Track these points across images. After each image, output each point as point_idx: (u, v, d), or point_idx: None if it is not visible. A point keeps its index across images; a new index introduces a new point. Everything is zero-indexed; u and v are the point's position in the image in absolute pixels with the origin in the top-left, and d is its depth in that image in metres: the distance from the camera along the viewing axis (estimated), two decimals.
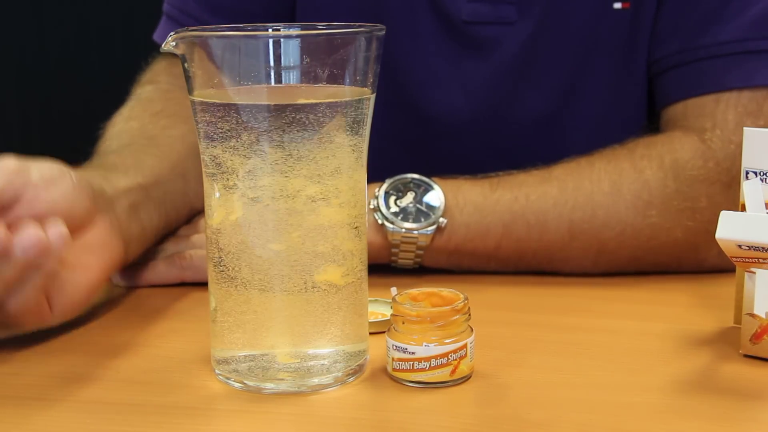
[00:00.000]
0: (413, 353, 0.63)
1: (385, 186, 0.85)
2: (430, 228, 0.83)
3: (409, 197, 0.85)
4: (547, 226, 0.84)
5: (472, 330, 0.64)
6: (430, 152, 1.00)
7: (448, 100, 0.99)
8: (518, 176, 0.86)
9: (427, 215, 0.84)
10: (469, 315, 0.64)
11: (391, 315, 0.64)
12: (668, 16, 0.94)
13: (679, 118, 0.91)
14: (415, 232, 0.83)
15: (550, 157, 0.97)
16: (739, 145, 0.71)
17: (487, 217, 0.84)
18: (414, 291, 0.65)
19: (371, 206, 0.84)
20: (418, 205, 0.84)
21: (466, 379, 0.64)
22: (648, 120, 0.99)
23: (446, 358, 0.63)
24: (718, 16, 0.90)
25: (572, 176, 0.85)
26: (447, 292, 0.65)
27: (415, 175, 0.85)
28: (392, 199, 0.85)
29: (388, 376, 0.65)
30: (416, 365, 0.63)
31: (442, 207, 0.84)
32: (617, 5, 0.95)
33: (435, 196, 0.84)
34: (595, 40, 0.96)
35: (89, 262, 0.72)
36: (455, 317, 0.63)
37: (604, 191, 0.84)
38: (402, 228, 0.83)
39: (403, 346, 0.63)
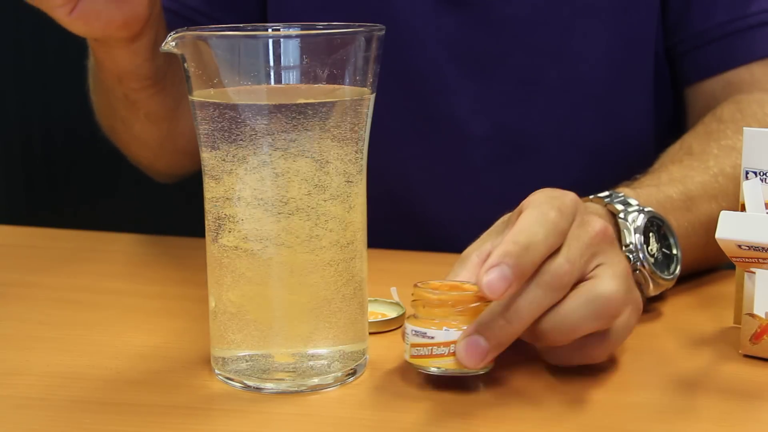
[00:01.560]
0: (432, 338, 0.60)
1: (639, 222, 0.72)
2: (677, 273, 0.75)
3: (652, 240, 0.73)
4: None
5: None
6: (420, 109, 0.98)
7: (433, 57, 0.96)
8: (680, 186, 0.80)
9: (670, 259, 0.75)
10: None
11: (412, 301, 0.62)
12: None
13: (744, 84, 0.92)
14: (669, 278, 0.74)
15: (530, 112, 0.97)
16: None
17: (704, 234, 0.79)
18: (435, 282, 0.63)
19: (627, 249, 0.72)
20: (664, 250, 0.75)
21: (486, 370, 0.62)
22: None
23: None
24: None
25: (718, 164, 0.83)
26: (469, 285, 0.62)
27: (634, 201, 0.74)
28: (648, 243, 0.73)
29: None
30: (435, 350, 0.60)
31: (680, 253, 0.75)
32: None
33: (672, 240, 0.75)
34: (583, 2, 0.95)
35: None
36: (476, 303, 0.60)
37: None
38: (660, 282, 0.73)
39: (422, 330, 0.61)
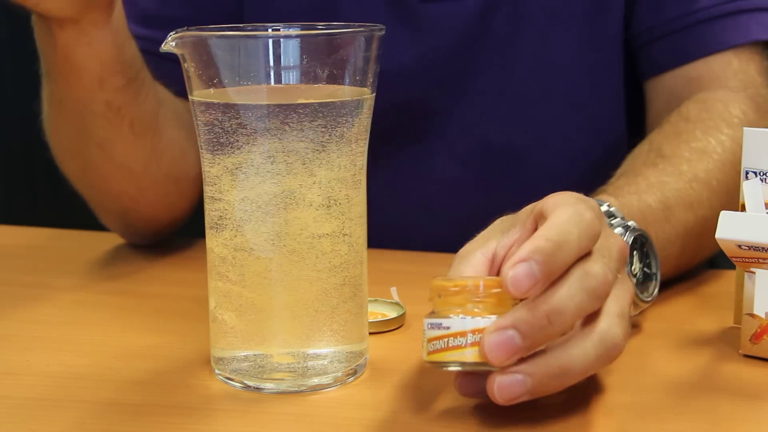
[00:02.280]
0: (448, 327, 0.55)
1: (627, 240, 0.69)
2: (655, 293, 0.72)
3: (635, 259, 0.70)
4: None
5: None
6: (404, 130, 0.98)
7: (409, 83, 0.96)
8: (658, 193, 0.78)
9: (649, 278, 0.71)
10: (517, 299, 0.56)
11: (429, 297, 0.57)
12: None
13: (704, 80, 0.92)
14: (648, 300, 0.71)
15: (515, 123, 0.96)
16: None
17: (680, 245, 0.78)
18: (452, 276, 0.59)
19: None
20: (645, 269, 0.71)
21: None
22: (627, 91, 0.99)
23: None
24: None
25: (691, 169, 0.81)
26: (485, 277, 0.58)
27: (619, 214, 0.71)
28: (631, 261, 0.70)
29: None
30: (451, 342, 0.55)
31: (659, 273, 0.72)
32: None
33: (654, 261, 0.72)
34: (555, 9, 0.95)
35: None
36: (497, 289, 0.55)
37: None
38: (639, 304, 0.70)
39: (438, 321, 0.56)
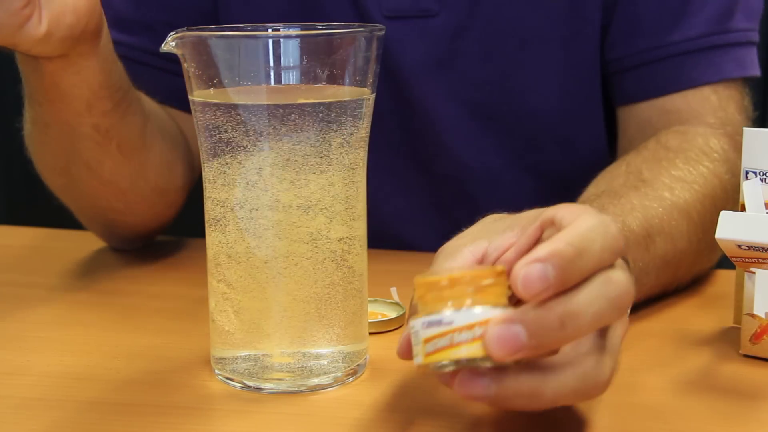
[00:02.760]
0: (450, 323, 0.50)
1: None
2: None
3: None
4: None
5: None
6: (382, 145, 0.98)
7: (378, 97, 0.97)
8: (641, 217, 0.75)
9: None
10: (510, 289, 0.51)
11: (413, 299, 0.53)
12: (625, 13, 0.93)
13: (682, 113, 0.91)
14: None
15: (490, 145, 0.96)
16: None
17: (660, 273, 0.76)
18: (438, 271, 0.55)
19: None
20: None
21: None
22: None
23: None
24: (682, 12, 0.91)
25: (672, 196, 0.79)
26: (480, 269, 0.53)
27: None
28: None
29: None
30: (455, 338, 0.50)
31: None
32: None
33: None
34: (528, 32, 0.94)
35: None
36: (490, 280, 0.51)
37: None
38: None
39: (436, 318, 0.50)
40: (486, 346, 0.50)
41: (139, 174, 0.88)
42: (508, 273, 0.51)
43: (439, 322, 0.51)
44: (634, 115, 0.94)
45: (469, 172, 0.98)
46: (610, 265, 0.52)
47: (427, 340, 0.51)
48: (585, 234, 0.51)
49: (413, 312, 0.54)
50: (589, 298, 0.50)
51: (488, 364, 0.51)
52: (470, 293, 0.51)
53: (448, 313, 0.51)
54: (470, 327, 0.50)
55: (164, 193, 0.91)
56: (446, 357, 0.50)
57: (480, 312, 0.50)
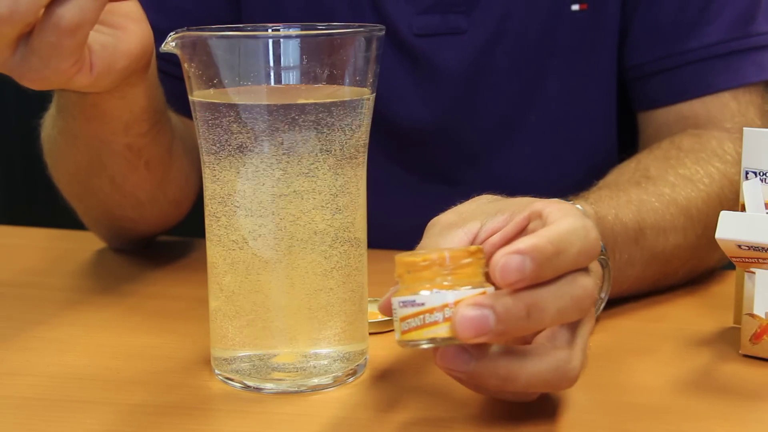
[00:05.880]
0: (422, 304, 0.53)
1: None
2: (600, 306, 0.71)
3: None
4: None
5: (492, 285, 0.55)
6: (404, 160, 0.99)
7: (410, 112, 0.97)
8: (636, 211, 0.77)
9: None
10: (486, 265, 0.54)
11: (397, 274, 0.55)
12: (644, 21, 0.94)
13: (700, 118, 0.91)
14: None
15: (517, 158, 0.96)
16: None
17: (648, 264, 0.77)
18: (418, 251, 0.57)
19: None
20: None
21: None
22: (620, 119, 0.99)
23: None
24: (700, 19, 0.91)
25: (673, 192, 0.80)
26: (456, 249, 0.56)
27: None
28: None
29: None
30: (428, 318, 0.53)
31: (606, 298, 0.71)
32: (575, 7, 0.94)
33: (607, 285, 0.70)
34: (552, 44, 0.95)
35: (128, 26, 0.70)
36: (468, 260, 0.54)
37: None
38: None
39: (411, 298, 0.54)
40: (454, 327, 0.53)
41: (159, 188, 0.88)
42: (489, 257, 0.54)
43: (413, 302, 0.54)
44: (653, 119, 0.95)
45: (495, 183, 0.98)
46: (584, 268, 0.56)
47: (403, 319, 0.54)
48: (565, 236, 0.55)
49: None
50: (556, 295, 0.54)
51: (456, 344, 0.54)
52: (446, 273, 0.54)
53: (423, 293, 0.54)
54: (441, 308, 0.53)
55: (179, 205, 0.92)
56: (419, 336, 0.54)
57: (452, 294, 0.53)
